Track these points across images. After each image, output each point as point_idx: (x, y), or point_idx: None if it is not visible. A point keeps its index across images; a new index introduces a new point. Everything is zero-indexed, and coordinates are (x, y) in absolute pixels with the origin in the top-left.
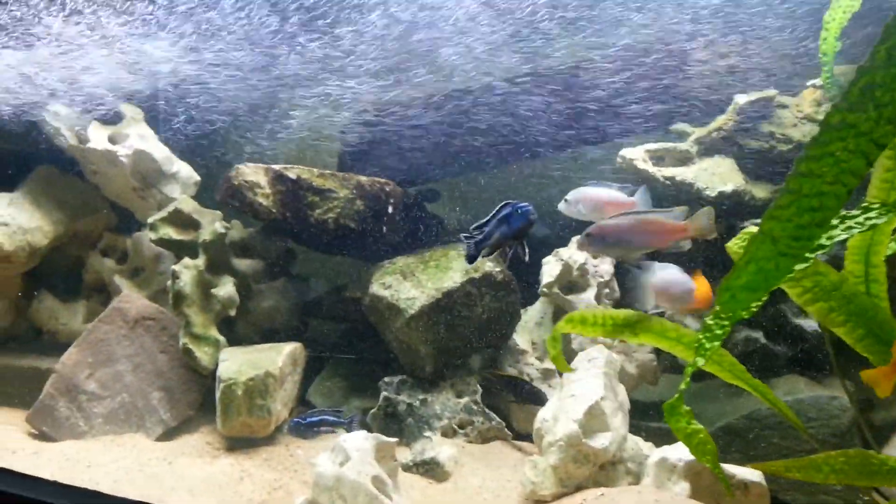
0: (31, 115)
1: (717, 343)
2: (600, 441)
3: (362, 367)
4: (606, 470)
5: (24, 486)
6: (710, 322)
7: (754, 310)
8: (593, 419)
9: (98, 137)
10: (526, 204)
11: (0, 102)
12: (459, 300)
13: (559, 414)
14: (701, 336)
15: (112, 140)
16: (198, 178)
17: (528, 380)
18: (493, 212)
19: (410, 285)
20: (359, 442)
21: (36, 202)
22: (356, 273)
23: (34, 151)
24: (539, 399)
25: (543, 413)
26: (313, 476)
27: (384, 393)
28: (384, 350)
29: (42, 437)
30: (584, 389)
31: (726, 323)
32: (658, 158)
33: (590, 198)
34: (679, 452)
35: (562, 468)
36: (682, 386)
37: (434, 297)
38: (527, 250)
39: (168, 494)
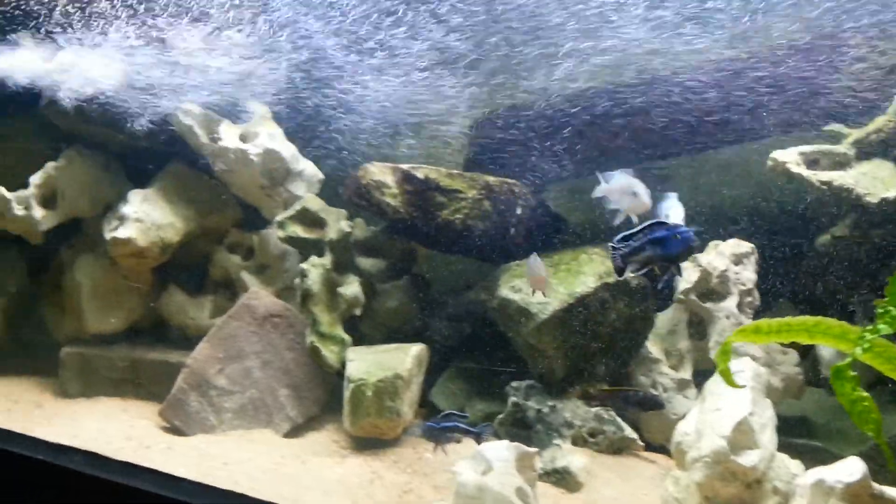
0: (163, 112)
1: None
2: (749, 458)
3: (486, 370)
4: (753, 489)
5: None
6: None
7: None
8: (741, 435)
9: (230, 136)
10: (687, 229)
11: (134, 101)
12: (592, 306)
13: (703, 428)
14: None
15: (243, 138)
16: (321, 175)
17: (657, 390)
18: (642, 227)
19: None
20: (501, 451)
21: (168, 199)
22: (477, 273)
23: (165, 149)
24: (656, 404)
25: (684, 427)
26: (455, 484)
27: (512, 398)
28: (509, 353)
29: (173, 430)
30: (730, 404)
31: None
32: (812, 161)
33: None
34: (836, 474)
35: (707, 485)
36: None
37: (567, 301)
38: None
39: (304, 494)
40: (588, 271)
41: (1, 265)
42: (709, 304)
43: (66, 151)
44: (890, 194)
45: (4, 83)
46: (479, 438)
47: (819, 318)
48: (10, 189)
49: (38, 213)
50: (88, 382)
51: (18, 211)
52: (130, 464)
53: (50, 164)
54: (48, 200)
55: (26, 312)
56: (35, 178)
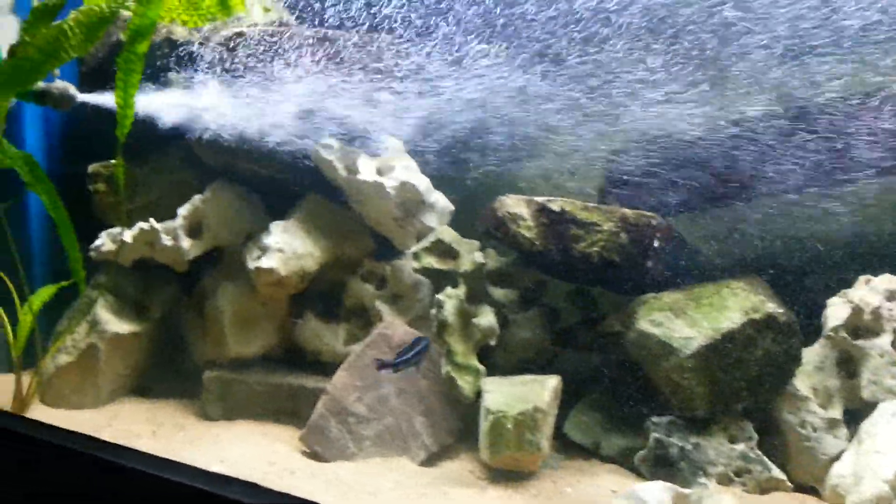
0: (302, 147)
1: None
2: None
3: (619, 402)
4: None
5: None
6: None
7: None
8: None
9: (367, 169)
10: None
11: (275, 135)
12: (738, 342)
13: (862, 471)
14: None
15: (379, 171)
16: (452, 207)
17: (810, 429)
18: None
19: (683, 324)
20: (657, 492)
21: (306, 229)
22: (607, 304)
23: (303, 181)
24: None
25: (840, 468)
26: None
27: (654, 434)
28: (646, 386)
29: (314, 456)
30: (890, 446)
31: None
32: None
33: None
34: None
35: None
36: None
37: (712, 337)
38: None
39: None
40: (732, 306)
41: (147, 293)
42: (860, 342)
43: (212, 184)
44: None
45: (157, 120)
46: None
47: None
48: (158, 220)
49: (186, 243)
50: (229, 406)
51: (167, 241)
52: (288, 495)
53: (197, 197)
54: (194, 231)
55: (169, 337)
56: (183, 210)
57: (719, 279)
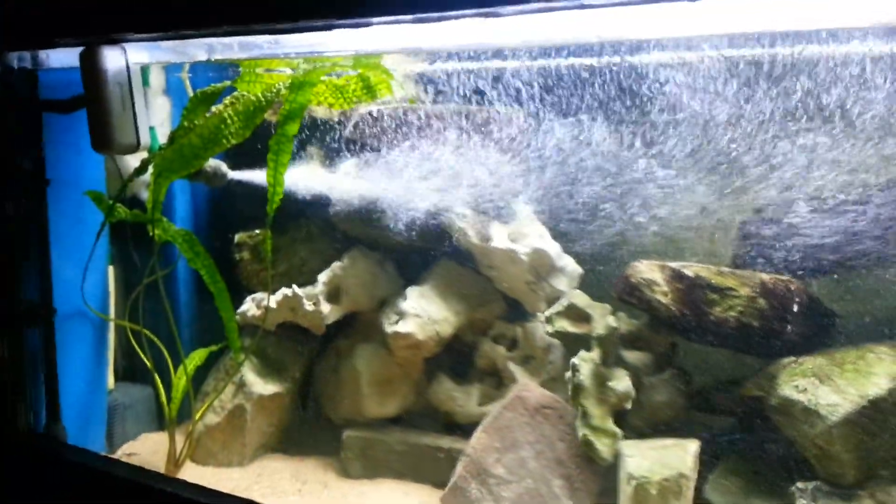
0: (439, 216)
1: None
2: None
3: (760, 467)
4: None
5: None
6: None
7: None
8: None
9: (500, 236)
10: None
11: (413, 207)
12: (886, 408)
13: None
14: None
15: (511, 238)
16: (581, 270)
17: None
18: None
19: (829, 390)
20: None
21: (441, 294)
22: (740, 367)
23: (436, 248)
24: None
25: None
26: None
27: (801, 500)
28: (787, 452)
29: None
30: None
31: None
32: None
33: None
34: None
35: None
36: None
37: (859, 404)
38: None
39: None
40: (879, 371)
41: (289, 356)
42: None
43: (349, 252)
44: None
45: (299, 193)
46: None
47: None
48: (300, 286)
49: (326, 308)
50: (369, 464)
51: (308, 306)
52: None
53: (336, 264)
54: (332, 296)
55: (306, 397)
56: (323, 276)
57: (860, 344)
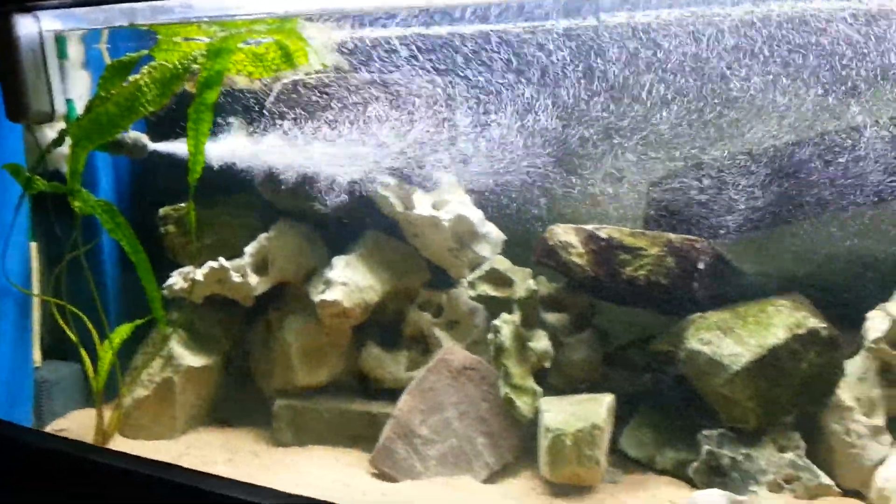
0: (362, 186)
1: None
2: None
3: (673, 418)
4: None
5: None
6: None
7: None
8: None
9: (423, 204)
10: None
11: (338, 177)
12: (784, 356)
13: None
14: None
15: (434, 206)
16: (503, 237)
17: (855, 437)
18: None
19: (732, 341)
20: (715, 499)
21: (367, 263)
22: (654, 325)
23: (362, 218)
24: None
25: (886, 473)
26: None
27: (706, 447)
28: (695, 402)
29: (383, 476)
30: None
31: None
32: None
33: None
34: None
35: None
36: None
37: (759, 353)
38: None
39: None
40: (778, 323)
41: (218, 328)
42: None
43: (276, 223)
44: None
45: (224, 165)
46: None
47: None
48: (226, 259)
49: (253, 279)
50: (299, 432)
51: (236, 278)
52: None
53: (263, 235)
54: (260, 268)
55: (236, 369)
56: (250, 248)
57: (763, 298)
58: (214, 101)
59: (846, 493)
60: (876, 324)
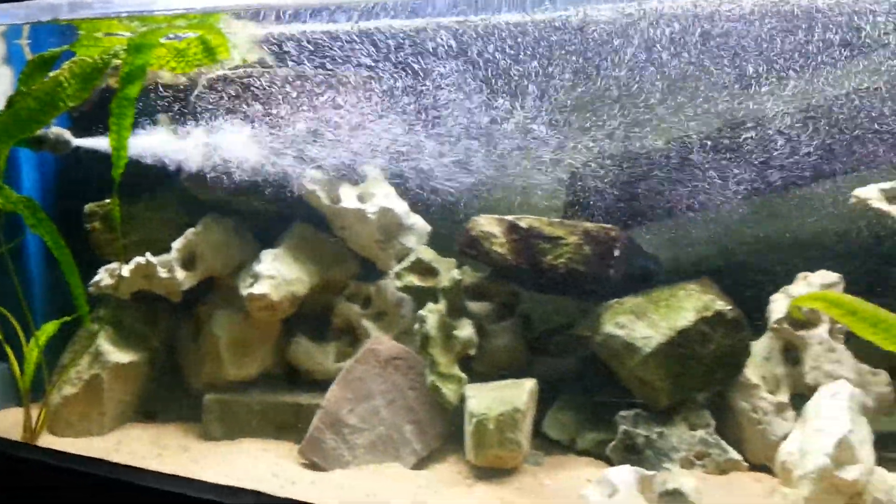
0: (290, 179)
1: None
2: (851, 473)
3: (592, 401)
4: (856, 501)
5: None
6: None
7: None
8: (843, 452)
9: (349, 197)
10: None
11: (265, 171)
12: (693, 338)
13: (806, 447)
14: None
15: (360, 199)
16: (429, 228)
17: (761, 413)
18: None
19: (644, 325)
20: (624, 475)
21: (295, 256)
22: (576, 312)
23: (289, 211)
24: None
25: (788, 447)
26: None
27: (622, 426)
28: (614, 384)
29: (313, 466)
30: (830, 424)
31: None
32: (892, 197)
33: None
34: None
35: (814, 499)
36: None
37: (669, 335)
38: None
39: None
40: (687, 306)
41: (145, 323)
42: (802, 332)
43: (203, 218)
44: None
45: (150, 160)
46: None
47: (888, 315)
48: (154, 254)
49: (180, 274)
50: (229, 426)
51: (163, 273)
52: (294, 500)
53: (190, 230)
54: (187, 263)
55: (166, 364)
56: (177, 244)
57: (675, 283)
58: (136, 95)
59: (754, 467)
60: (779, 306)
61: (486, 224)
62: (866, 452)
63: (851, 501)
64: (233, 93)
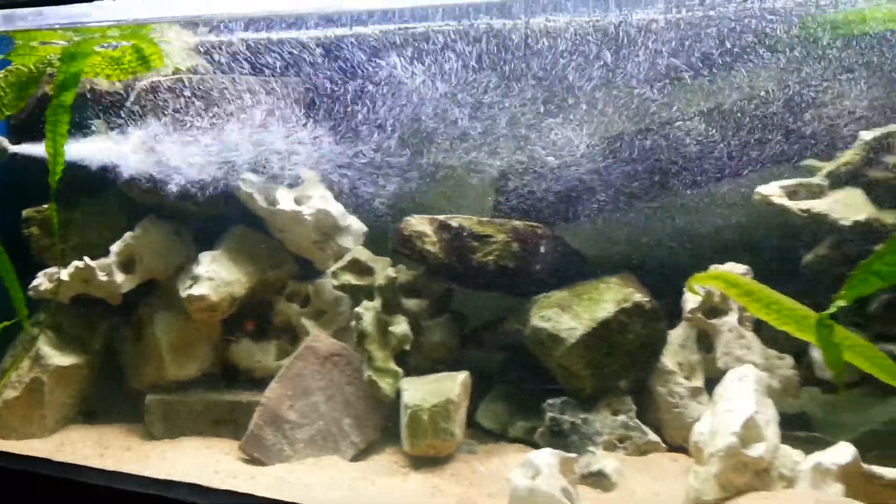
0: (227, 183)
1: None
2: (757, 451)
3: (523, 391)
4: (762, 476)
5: None
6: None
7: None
8: (749, 431)
9: (286, 200)
10: None
11: (201, 175)
12: (613, 328)
13: (716, 428)
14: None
15: (297, 201)
16: (365, 228)
17: (678, 398)
18: None
19: (569, 317)
20: (546, 458)
21: (233, 258)
22: (507, 307)
23: (228, 214)
24: None
25: (700, 428)
26: (509, 489)
27: (549, 413)
28: (542, 375)
29: (253, 462)
30: (738, 405)
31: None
32: (792, 193)
33: None
34: (831, 457)
35: (723, 476)
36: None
37: (591, 326)
38: None
39: None
40: (608, 298)
41: (86, 326)
42: (713, 321)
43: (142, 222)
44: (860, 217)
45: (87, 166)
46: None
47: (780, 297)
48: (93, 258)
49: (119, 277)
50: (172, 425)
51: (102, 277)
52: (231, 491)
53: (128, 234)
54: (127, 266)
55: (108, 366)
56: (115, 247)
57: (598, 277)
58: (71, 102)
59: (672, 448)
60: (692, 296)
61: (419, 224)
62: (772, 431)
63: (758, 477)
64: (167, 99)
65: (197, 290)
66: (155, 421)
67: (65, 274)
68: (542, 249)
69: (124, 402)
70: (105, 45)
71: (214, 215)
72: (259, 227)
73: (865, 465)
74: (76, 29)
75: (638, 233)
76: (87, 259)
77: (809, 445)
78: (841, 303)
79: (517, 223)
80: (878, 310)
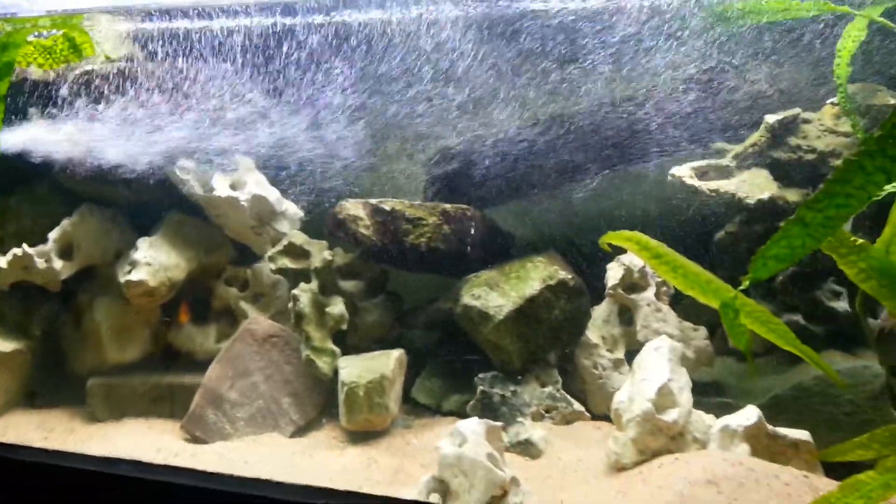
0: (162, 169)
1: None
2: (671, 416)
3: (456, 367)
4: (677, 440)
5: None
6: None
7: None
8: (663, 398)
9: (221, 186)
10: None
11: (137, 161)
12: (540, 304)
13: (634, 395)
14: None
15: (233, 187)
16: (301, 213)
17: (601, 369)
18: None
19: (497, 295)
20: (473, 426)
21: (171, 243)
22: (441, 287)
23: (165, 200)
24: None
25: (619, 396)
26: (438, 457)
27: (480, 387)
28: (474, 351)
29: (195, 440)
30: (653, 374)
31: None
32: (703, 174)
33: None
34: (738, 420)
35: (640, 440)
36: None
37: (518, 303)
38: None
39: (315, 481)
40: (534, 276)
41: (27, 313)
42: (633, 296)
43: (79, 209)
44: (764, 196)
45: (20, 155)
46: None
47: (687, 262)
48: (31, 245)
49: (58, 264)
50: (114, 408)
51: (40, 264)
52: (171, 466)
53: (66, 221)
54: (65, 253)
55: (49, 352)
56: (53, 234)
57: (525, 257)
58: (5, 92)
59: (596, 417)
60: (614, 273)
61: (352, 207)
62: (685, 398)
63: (673, 440)
64: (99, 87)
65: (135, 276)
66: (97, 404)
67: (3, 261)
68: (472, 231)
69: (67, 387)
70: (37, 34)
71: (151, 201)
72: (197, 212)
73: (770, 427)
74: (7, 19)
75: (563, 213)
76: (25, 246)
77: (721, 410)
78: (744, 286)
79: (447, 206)
80: (783, 282)
